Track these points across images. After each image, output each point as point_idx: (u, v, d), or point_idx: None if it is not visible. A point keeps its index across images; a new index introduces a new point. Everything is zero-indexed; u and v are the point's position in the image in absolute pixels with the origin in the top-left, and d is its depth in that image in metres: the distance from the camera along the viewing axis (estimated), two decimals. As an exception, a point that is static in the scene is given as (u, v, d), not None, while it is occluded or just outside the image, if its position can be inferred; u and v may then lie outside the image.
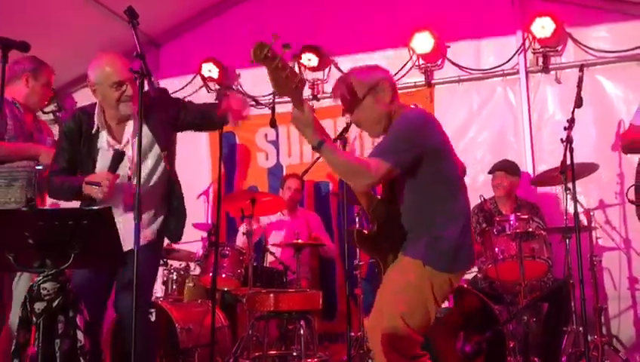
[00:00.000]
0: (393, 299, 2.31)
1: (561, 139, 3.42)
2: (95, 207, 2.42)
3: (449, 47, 5.32)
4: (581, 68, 3.54)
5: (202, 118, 2.95)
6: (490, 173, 4.61)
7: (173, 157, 3.01)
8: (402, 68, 5.37)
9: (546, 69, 5.09)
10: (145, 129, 2.65)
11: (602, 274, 4.65)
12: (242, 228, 4.81)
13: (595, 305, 4.01)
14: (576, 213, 3.32)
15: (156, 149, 2.86)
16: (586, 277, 3.92)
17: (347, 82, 2.43)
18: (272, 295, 3.84)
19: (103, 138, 2.83)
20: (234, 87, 5.32)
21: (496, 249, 3.87)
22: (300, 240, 4.46)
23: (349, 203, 4.37)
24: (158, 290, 4.70)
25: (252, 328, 3.99)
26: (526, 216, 3.86)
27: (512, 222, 3.80)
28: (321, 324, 4.72)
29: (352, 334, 3.90)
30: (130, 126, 2.85)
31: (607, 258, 4.59)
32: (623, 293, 4.68)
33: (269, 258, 4.86)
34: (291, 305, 3.84)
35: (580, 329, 3.68)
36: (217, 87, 5.69)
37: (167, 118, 2.89)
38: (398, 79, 5.42)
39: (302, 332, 3.89)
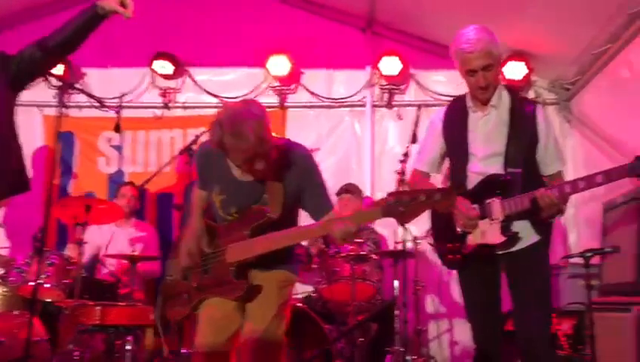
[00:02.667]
0: (278, 317, 2.47)
1: (396, 171, 3.67)
2: None
3: (304, 73, 5.51)
4: (419, 108, 3.85)
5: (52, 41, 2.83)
6: (337, 194, 4.76)
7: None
8: (257, 88, 5.45)
9: (389, 105, 5.47)
10: None
11: (424, 298, 5.02)
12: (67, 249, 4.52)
13: (415, 327, 4.30)
14: (404, 240, 3.57)
15: None
16: (410, 300, 4.22)
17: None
18: (98, 307, 3.64)
19: None
20: (78, 85, 5.02)
21: (332, 270, 4.03)
22: (135, 252, 4.28)
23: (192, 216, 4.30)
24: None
25: (74, 342, 3.73)
26: (361, 240, 4.07)
27: (346, 245, 3.98)
28: (153, 340, 4.54)
29: (184, 351, 3.81)
30: None
31: (429, 283, 4.96)
32: (442, 317, 5.10)
33: (102, 269, 4.60)
34: (119, 318, 3.67)
35: (402, 349, 3.93)
36: (60, 83, 5.34)
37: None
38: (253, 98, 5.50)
39: (129, 347, 3.72)
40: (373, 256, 4.10)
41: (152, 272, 4.85)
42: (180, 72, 5.49)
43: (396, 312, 3.90)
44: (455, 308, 4.98)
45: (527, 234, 2.57)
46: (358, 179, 5.22)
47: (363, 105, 5.50)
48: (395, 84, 5.45)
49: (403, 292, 3.54)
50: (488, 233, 2.56)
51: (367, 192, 5.22)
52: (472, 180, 2.66)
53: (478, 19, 3.22)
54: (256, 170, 2.37)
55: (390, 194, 2.12)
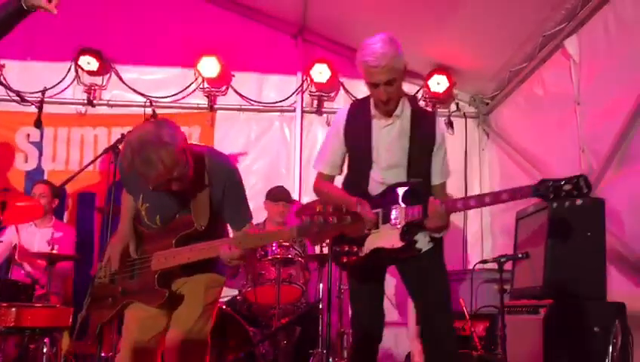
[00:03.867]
0: (204, 317, 2.49)
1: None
2: None
3: (234, 76, 5.51)
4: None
5: None
6: (275, 200, 4.76)
7: None
8: (186, 88, 5.40)
9: (319, 112, 5.56)
10: None
11: (348, 301, 5.10)
12: None
13: (338, 330, 4.38)
14: (330, 244, 3.62)
15: None
16: (334, 304, 4.29)
17: None
18: (13, 309, 3.48)
19: None
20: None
21: (258, 273, 4.04)
22: (55, 251, 4.13)
23: (115, 216, 4.20)
24: None
25: (-16, 347, 3.55)
26: (287, 244, 4.11)
27: (274, 248, 4.01)
28: (69, 343, 4.38)
29: (103, 354, 3.71)
30: None
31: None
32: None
33: (18, 270, 4.40)
34: (35, 321, 3.52)
35: (324, 351, 3.99)
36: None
37: None
38: (181, 98, 5.45)
39: (45, 351, 3.58)
40: (300, 259, 4.15)
41: (64, 271, 4.68)
42: (106, 68, 5.36)
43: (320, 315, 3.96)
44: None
45: (422, 241, 2.66)
46: (286, 183, 5.26)
47: (293, 111, 5.56)
48: (325, 91, 5.55)
49: (328, 295, 3.60)
50: (388, 237, 2.60)
51: (295, 197, 5.28)
52: (374, 187, 2.70)
53: (405, 32, 3.36)
54: (172, 190, 2.37)
55: (306, 215, 2.23)
